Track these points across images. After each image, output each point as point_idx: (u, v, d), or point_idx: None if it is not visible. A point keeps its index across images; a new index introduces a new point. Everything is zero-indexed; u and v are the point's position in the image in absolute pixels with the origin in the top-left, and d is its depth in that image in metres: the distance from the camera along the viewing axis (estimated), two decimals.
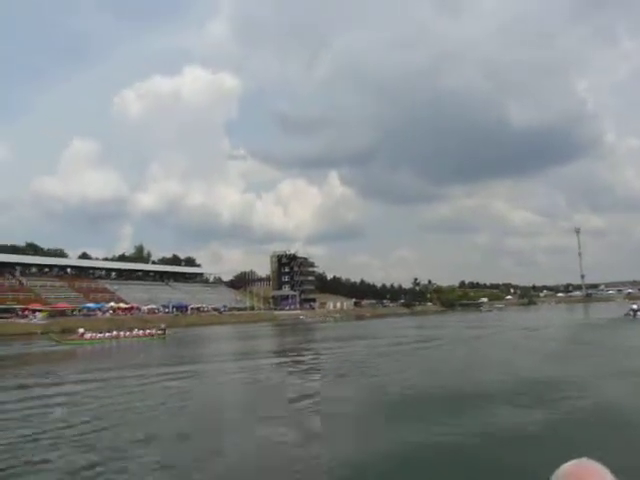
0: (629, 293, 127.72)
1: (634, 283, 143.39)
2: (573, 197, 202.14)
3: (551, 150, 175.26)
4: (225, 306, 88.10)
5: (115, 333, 37.44)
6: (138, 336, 37.95)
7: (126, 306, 72.98)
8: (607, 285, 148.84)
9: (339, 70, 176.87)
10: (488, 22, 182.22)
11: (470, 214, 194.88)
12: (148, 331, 39.26)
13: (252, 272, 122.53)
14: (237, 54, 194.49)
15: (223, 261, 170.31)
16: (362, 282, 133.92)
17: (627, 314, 39.31)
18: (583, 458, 1.11)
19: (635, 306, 40.52)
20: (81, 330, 36.15)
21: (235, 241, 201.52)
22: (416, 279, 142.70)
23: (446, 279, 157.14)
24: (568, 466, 1.10)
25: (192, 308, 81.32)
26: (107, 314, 67.02)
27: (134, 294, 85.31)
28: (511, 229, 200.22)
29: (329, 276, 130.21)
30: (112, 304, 72.07)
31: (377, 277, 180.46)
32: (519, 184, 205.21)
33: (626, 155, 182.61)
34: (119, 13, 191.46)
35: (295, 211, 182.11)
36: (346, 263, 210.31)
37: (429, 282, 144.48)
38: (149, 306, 76.41)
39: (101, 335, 36.41)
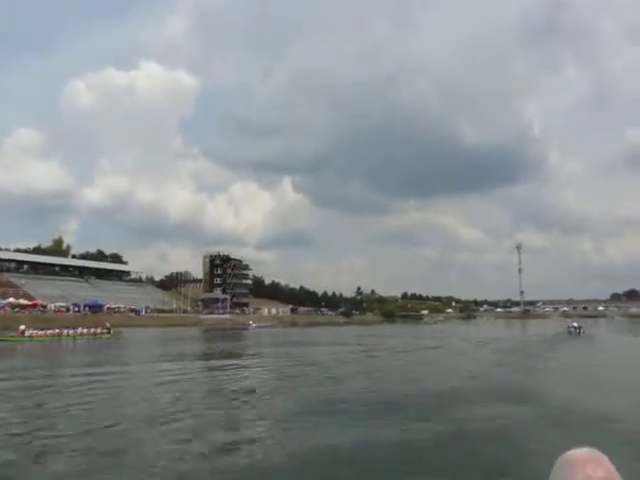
0: (564, 311, 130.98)
1: (569, 302, 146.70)
2: (518, 216, 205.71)
3: (499, 170, 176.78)
4: (147, 307, 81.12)
5: (58, 331, 37.32)
6: (82, 334, 38.42)
7: (28, 303, 65.03)
8: (544, 302, 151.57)
9: (295, 78, 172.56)
10: (444, 42, 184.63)
11: (419, 228, 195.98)
12: (93, 330, 39.63)
13: (186, 272, 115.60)
14: (196, 53, 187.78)
15: (169, 261, 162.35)
16: (301, 288, 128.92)
17: (569, 331, 42.95)
18: (585, 447, 1.13)
19: (575, 324, 44.46)
20: (22, 327, 35.66)
21: (183, 241, 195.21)
22: (359, 288, 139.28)
23: (392, 290, 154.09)
24: (572, 453, 1.12)
25: (109, 308, 74.05)
26: (1, 311, 59.18)
27: (44, 290, 76.93)
28: (457, 244, 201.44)
29: (267, 281, 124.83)
30: (11, 300, 64.13)
31: (325, 285, 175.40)
32: (468, 201, 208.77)
33: (567, 178, 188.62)
34: (73, 3, 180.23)
35: (246, 215, 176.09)
36: (295, 269, 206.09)
37: (372, 292, 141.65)
38: (57, 304, 68.77)
39: (42, 332, 36.28)
